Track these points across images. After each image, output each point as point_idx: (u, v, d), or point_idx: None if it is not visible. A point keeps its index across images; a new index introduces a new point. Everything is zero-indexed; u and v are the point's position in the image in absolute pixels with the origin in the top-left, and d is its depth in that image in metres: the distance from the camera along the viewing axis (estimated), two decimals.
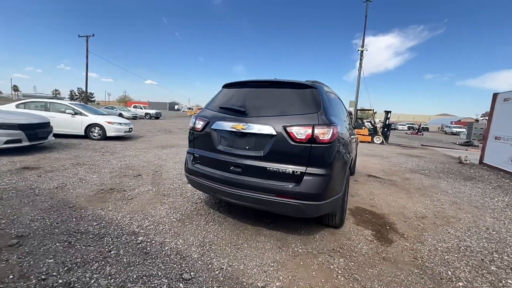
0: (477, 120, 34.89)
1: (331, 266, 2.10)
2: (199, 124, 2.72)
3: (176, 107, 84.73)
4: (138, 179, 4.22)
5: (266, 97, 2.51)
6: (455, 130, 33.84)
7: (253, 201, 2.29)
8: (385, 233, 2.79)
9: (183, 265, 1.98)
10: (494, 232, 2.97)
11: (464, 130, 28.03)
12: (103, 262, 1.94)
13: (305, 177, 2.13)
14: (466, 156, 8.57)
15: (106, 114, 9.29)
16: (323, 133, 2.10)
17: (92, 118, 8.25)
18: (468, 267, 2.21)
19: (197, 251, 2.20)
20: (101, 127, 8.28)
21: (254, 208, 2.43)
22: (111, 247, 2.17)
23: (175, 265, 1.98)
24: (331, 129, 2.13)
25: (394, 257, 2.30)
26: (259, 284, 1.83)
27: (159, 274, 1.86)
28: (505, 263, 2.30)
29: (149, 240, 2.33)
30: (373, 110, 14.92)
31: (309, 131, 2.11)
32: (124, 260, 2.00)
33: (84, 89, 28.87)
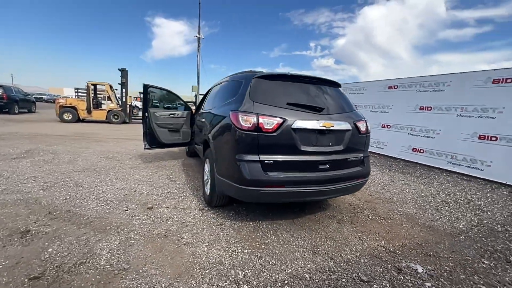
0: None
1: (376, 217, 3.00)
2: (271, 124, 2.20)
3: None
4: (70, 234, 2.12)
5: (320, 93, 2.63)
6: None
7: (337, 192, 2.52)
8: None
9: (345, 271, 1.91)
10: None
11: None
12: None
13: (364, 160, 2.76)
14: None
15: None
16: (369, 126, 2.80)
17: None
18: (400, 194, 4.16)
19: (321, 257, 2.10)
20: None
21: (331, 198, 2.61)
22: None
23: (340, 275, 1.85)
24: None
25: (375, 200, 3.70)
26: (386, 248, 2.32)
27: None
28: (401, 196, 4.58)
29: (272, 280, 1.76)
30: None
31: (365, 124, 2.72)
32: None
33: None
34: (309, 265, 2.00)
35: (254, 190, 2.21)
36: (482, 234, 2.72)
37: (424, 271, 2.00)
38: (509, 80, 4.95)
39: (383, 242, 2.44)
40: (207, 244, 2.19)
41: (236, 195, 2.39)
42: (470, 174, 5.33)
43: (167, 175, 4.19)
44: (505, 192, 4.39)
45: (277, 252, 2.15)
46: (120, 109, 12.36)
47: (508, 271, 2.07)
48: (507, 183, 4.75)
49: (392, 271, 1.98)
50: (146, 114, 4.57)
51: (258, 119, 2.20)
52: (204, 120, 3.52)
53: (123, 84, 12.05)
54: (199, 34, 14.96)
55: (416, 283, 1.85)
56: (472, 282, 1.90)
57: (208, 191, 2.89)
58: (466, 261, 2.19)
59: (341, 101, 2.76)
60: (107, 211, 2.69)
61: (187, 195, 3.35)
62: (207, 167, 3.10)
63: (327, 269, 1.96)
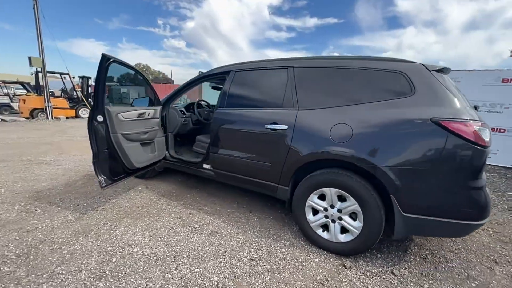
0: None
1: None
2: (487, 135, 1.61)
3: None
4: None
5: None
6: None
7: None
8: None
9: None
10: None
11: None
12: None
13: None
14: None
15: None
16: None
17: None
18: None
19: None
20: None
21: None
22: None
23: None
24: None
25: None
26: None
27: None
28: None
29: None
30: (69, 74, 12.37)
31: None
32: None
33: None
34: None
35: (482, 224, 1.64)
36: None
37: None
38: None
39: (505, 248, 2.42)
40: None
41: (458, 234, 1.89)
42: None
43: (185, 226, 2.31)
44: None
45: None
46: None
47: None
48: None
49: None
50: (100, 118, 2.23)
51: (485, 131, 1.60)
52: (282, 128, 2.10)
53: None
54: None
55: None
56: None
57: (347, 235, 1.96)
58: None
59: None
60: None
61: (283, 251, 2.03)
62: (320, 201, 2.05)
63: None
